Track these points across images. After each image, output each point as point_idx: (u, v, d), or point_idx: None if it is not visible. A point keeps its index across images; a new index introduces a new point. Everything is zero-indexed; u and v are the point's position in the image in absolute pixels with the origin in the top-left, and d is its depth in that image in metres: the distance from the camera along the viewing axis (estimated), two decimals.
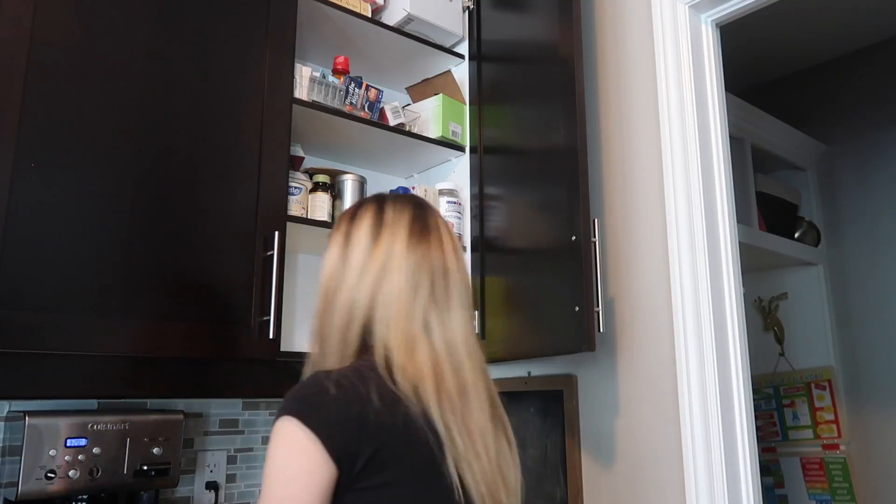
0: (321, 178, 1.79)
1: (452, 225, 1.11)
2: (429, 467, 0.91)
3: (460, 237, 1.92)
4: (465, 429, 0.93)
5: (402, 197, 1.08)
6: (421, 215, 1.04)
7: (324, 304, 1.00)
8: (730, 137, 1.74)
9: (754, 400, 1.72)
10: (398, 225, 1.00)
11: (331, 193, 1.78)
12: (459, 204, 1.94)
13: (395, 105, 1.94)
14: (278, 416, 0.88)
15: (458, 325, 0.98)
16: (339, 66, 1.83)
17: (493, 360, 1.37)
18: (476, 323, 1.07)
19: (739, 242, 1.69)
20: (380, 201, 1.06)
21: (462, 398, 0.94)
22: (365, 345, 0.98)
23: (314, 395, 0.88)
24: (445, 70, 2.08)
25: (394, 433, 0.89)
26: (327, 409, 0.86)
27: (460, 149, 1.99)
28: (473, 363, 0.98)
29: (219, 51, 1.50)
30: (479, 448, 0.94)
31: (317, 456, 0.85)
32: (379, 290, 0.96)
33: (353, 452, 0.86)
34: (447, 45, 2.03)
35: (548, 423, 1.79)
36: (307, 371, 1.01)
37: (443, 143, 1.95)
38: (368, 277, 0.96)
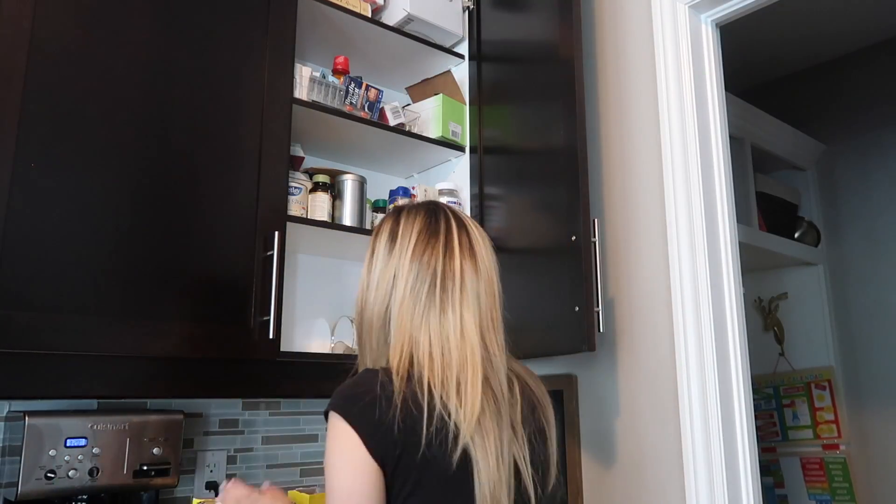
0: (321, 178, 1.79)
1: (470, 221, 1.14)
2: (453, 471, 0.93)
3: None
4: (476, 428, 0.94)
5: (418, 207, 1.12)
6: (432, 223, 1.09)
7: (358, 316, 1.09)
8: (730, 137, 1.74)
9: (754, 400, 1.72)
10: (406, 237, 1.07)
11: (331, 193, 1.78)
12: (459, 204, 1.94)
13: (395, 105, 1.94)
14: (327, 409, 0.95)
15: (452, 326, 1.02)
16: (339, 66, 1.83)
17: None
18: (498, 319, 1.10)
19: (739, 242, 1.69)
20: (397, 215, 1.12)
21: (463, 396, 0.96)
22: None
23: (358, 394, 0.94)
24: (445, 70, 2.08)
25: (416, 437, 0.92)
26: (370, 409, 0.92)
27: (460, 149, 1.99)
28: (475, 361, 1.00)
29: (219, 51, 1.50)
30: (490, 447, 0.95)
31: (361, 451, 0.91)
32: (390, 301, 1.04)
33: (390, 454, 0.91)
34: (447, 45, 2.03)
35: None
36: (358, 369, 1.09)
37: (443, 143, 1.95)
38: (382, 289, 1.05)
